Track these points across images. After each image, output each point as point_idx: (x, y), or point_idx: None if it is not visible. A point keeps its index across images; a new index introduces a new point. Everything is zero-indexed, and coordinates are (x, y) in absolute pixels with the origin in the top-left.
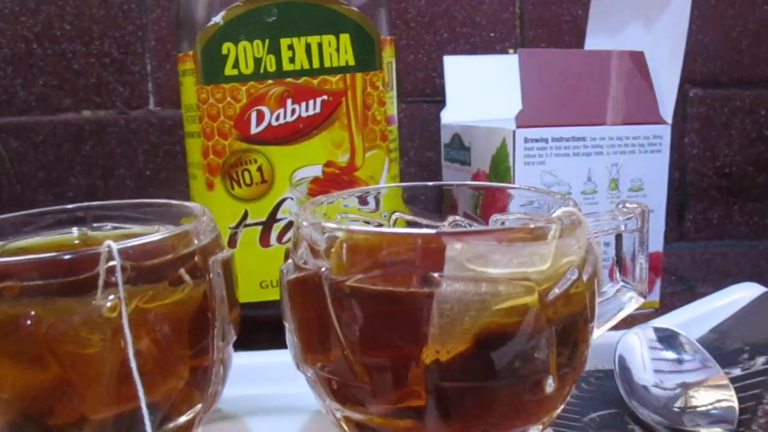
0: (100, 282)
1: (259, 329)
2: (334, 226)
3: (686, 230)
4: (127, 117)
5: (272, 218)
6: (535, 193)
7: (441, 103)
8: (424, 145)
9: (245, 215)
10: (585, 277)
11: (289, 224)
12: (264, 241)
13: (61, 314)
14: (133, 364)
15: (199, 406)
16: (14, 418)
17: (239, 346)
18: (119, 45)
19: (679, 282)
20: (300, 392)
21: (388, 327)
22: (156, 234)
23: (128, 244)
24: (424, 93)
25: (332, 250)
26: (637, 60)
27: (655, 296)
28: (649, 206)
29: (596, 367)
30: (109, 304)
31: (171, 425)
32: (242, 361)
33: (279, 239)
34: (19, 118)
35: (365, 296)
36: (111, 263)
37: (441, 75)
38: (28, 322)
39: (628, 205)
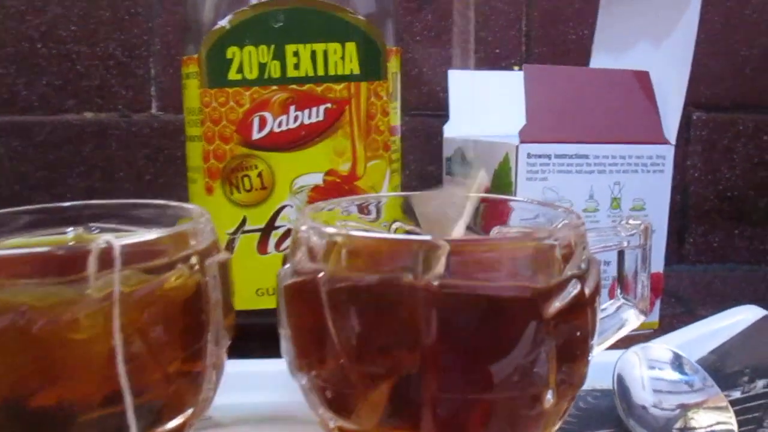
0: (93, 269)
1: (254, 337)
2: (333, 231)
3: (686, 253)
4: (129, 120)
5: (271, 225)
6: (538, 206)
7: (444, 117)
8: (426, 158)
9: (244, 221)
10: (587, 291)
11: (288, 232)
12: (262, 248)
13: (51, 300)
14: (119, 353)
15: (190, 410)
16: None
17: (233, 353)
18: (124, 48)
19: (678, 304)
20: (293, 402)
21: (385, 334)
22: (153, 233)
23: (125, 242)
24: (428, 107)
25: (330, 255)
26: (643, 80)
27: (654, 317)
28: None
29: (594, 387)
30: (100, 287)
31: (160, 429)
32: (236, 368)
33: (277, 247)
34: (21, 117)
35: (362, 303)
36: (105, 249)
37: (445, 89)
38: (18, 307)
39: (631, 221)
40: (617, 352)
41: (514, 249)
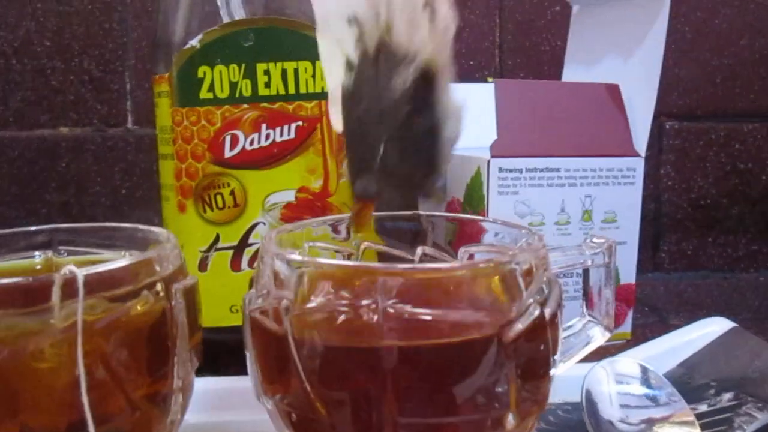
0: (57, 299)
1: (228, 353)
2: (298, 258)
3: (661, 261)
4: (104, 135)
5: (244, 243)
6: (502, 226)
7: None
8: None
9: (217, 239)
10: (548, 313)
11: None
12: (235, 265)
13: (16, 330)
14: (83, 383)
15: None
16: None
17: (207, 370)
18: (99, 63)
19: (651, 313)
20: (265, 420)
21: (346, 361)
22: (118, 261)
23: (89, 271)
24: None
25: (295, 281)
26: (613, 92)
27: (626, 327)
28: (622, 238)
29: (564, 400)
30: (65, 317)
31: None
32: (208, 386)
33: (250, 264)
34: None
35: (325, 331)
36: (69, 279)
37: None
38: None
39: (595, 239)
40: (587, 366)
41: (475, 275)
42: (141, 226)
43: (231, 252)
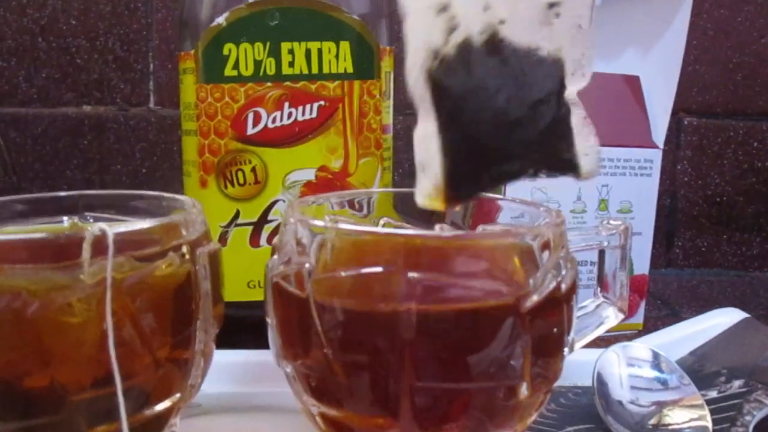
0: (87, 256)
1: (244, 329)
2: (320, 224)
3: (674, 257)
4: (126, 114)
5: (263, 219)
6: (522, 205)
7: None
8: None
9: (237, 215)
10: (563, 288)
11: (279, 226)
12: (254, 241)
13: (46, 284)
14: (111, 337)
15: (178, 395)
16: None
17: (223, 344)
18: (123, 42)
19: (663, 306)
20: (281, 392)
21: (367, 326)
22: (145, 222)
23: (119, 230)
24: None
25: (317, 248)
26: (633, 84)
27: (639, 318)
28: (637, 229)
29: (576, 384)
30: (94, 273)
31: (148, 411)
32: (225, 359)
33: (269, 240)
34: (20, 109)
35: (346, 295)
36: (99, 237)
37: None
38: (14, 290)
39: (611, 222)
40: (599, 351)
41: (495, 245)
42: (165, 194)
43: (250, 228)
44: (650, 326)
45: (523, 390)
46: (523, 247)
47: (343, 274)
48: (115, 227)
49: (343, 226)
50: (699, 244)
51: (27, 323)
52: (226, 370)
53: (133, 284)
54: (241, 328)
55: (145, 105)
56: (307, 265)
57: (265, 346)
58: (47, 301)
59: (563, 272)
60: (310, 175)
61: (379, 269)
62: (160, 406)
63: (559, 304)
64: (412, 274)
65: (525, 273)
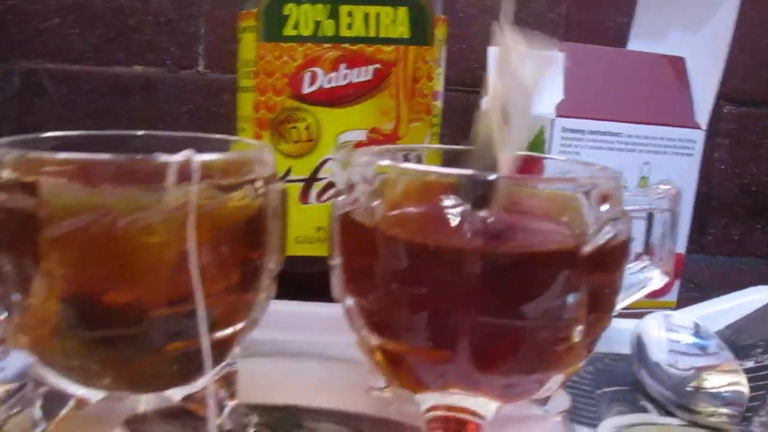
0: (172, 180)
1: (289, 284)
2: (389, 163)
3: (707, 244)
4: (175, 76)
5: (314, 176)
6: (575, 164)
7: (480, 94)
8: (459, 133)
9: (288, 171)
10: (621, 238)
11: (329, 185)
12: (303, 197)
13: (132, 204)
14: (193, 257)
15: (241, 324)
16: (69, 295)
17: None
18: (175, 6)
19: (695, 289)
20: (327, 342)
21: (432, 263)
22: (224, 155)
23: (203, 158)
24: (465, 83)
25: (385, 187)
26: (678, 65)
27: (672, 296)
28: None
29: (614, 351)
30: (178, 197)
31: (218, 334)
32: (275, 308)
33: (318, 197)
34: (72, 66)
35: (412, 231)
36: (184, 163)
37: (483, 67)
38: (102, 208)
39: (662, 186)
40: (635, 322)
41: (558, 192)
42: (235, 138)
43: (301, 185)
44: (683, 306)
45: (576, 336)
46: (584, 196)
47: (411, 209)
48: (200, 155)
49: (409, 165)
50: (732, 233)
51: (113, 240)
52: (276, 319)
53: (211, 211)
54: (286, 283)
55: (194, 68)
56: (375, 203)
57: (311, 300)
58: (132, 220)
59: (620, 226)
60: (361, 135)
61: (446, 206)
62: (225, 332)
63: (614, 256)
64: (479, 213)
65: (584, 221)
